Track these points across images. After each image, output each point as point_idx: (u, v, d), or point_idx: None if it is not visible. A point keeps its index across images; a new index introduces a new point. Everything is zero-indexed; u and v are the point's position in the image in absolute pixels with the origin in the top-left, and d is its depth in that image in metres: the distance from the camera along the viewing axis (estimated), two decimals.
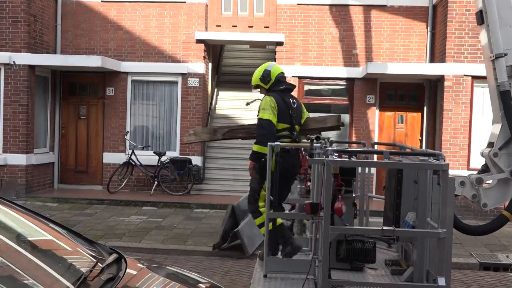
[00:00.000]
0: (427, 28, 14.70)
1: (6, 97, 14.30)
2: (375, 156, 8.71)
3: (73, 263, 3.68)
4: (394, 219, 5.28)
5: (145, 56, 15.37)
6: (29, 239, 3.78)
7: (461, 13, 13.21)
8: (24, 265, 3.26)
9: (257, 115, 6.52)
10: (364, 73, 14.22)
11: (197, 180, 14.93)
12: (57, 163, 15.69)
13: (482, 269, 9.29)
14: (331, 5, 14.96)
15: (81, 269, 3.48)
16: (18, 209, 3.96)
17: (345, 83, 15.18)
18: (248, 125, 7.97)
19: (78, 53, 15.31)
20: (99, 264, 3.50)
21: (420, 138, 14.86)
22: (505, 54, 6.66)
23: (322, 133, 7.00)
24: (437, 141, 13.95)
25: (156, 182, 14.80)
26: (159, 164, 14.76)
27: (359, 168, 6.50)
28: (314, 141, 5.86)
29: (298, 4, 15.02)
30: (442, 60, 13.62)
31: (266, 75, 6.67)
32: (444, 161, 4.68)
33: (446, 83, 13.34)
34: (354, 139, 14.54)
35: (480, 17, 6.94)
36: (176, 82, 15.42)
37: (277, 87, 6.59)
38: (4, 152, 14.30)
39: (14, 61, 14.13)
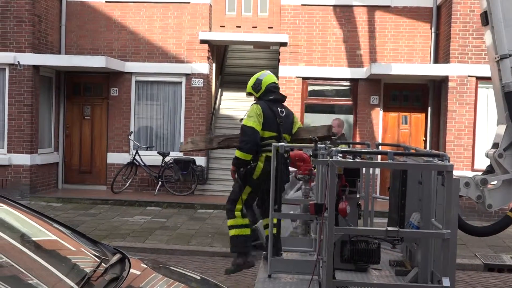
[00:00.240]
0: (431, 28, 14.69)
1: (10, 97, 14.34)
2: (379, 157, 8.70)
3: (77, 263, 3.68)
4: (399, 220, 5.26)
5: (149, 56, 15.39)
6: (33, 239, 3.79)
7: (465, 13, 13.19)
8: (28, 265, 3.26)
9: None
10: (368, 73, 14.21)
11: (201, 180, 14.94)
12: (61, 163, 15.72)
13: (486, 270, 9.28)
14: (335, 6, 14.95)
15: (85, 269, 3.49)
16: (22, 209, 3.97)
17: (349, 83, 15.17)
18: None
19: (82, 53, 15.34)
20: (103, 264, 3.50)
21: (424, 139, 14.84)
22: (510, 55, 6.63)
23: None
24: (441, 142, 13.93)
25: (160, 183, 14.82)
26: (163, 164, 14.78)
27: (364, 169, 6.48)
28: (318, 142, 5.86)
29: (302, 5, 15.02)
30: (446, 61, 13.60)
31: (257, 84, 6.77)
32: (449, 162, 4.68)
33: (450, 84, 13.32)
34: (358, 140, 14.53)
35: (485, 18, 6.92)
36: (180, 83, 15.44)
37: (266, 96, 6.66)
38: (8, 152, 14.34)
39: (18, 61, 14.17)
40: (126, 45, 15.44)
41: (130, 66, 15.34)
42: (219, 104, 17.10)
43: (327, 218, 4.39)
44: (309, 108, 15.23)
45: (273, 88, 6.61)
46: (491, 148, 6.69)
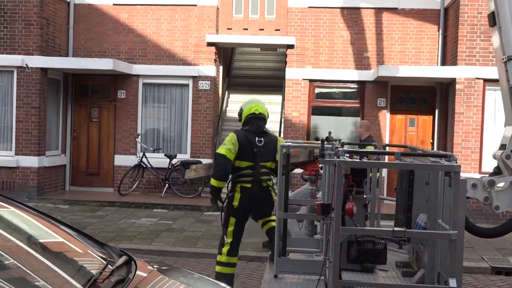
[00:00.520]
0: (438, 31, 14.66)
1: (18, 99, 14.40)
2: (386, 158, 8.69)
3: (83, 265, 3.70)
4: (406, 220, 5.25)
5: (156, 59, 15.43)
6: (40, 241, 3.81)
7: (473, 15, 13.15)
8: (35, 266, 3.28)
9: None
10: (375, 76, 14.19)
11: (207, 183, 14.92)
12: (68, 165, 15.76)
13: (493, 273, 9.24)
14: (342, 8, 14.95)
15: (91, 271, 3.50)
16: (29, 211, 3.99)
17: (356, 86, 15.15)
18: None
19: (90, 56, 15.40)
20: (109, 266, 3.51)
21: (431, 141, 14.80)
22: None
23: (333, 134, 7.01)
24: (449, 144, 13.89)
25: (167, 185, 14.83)
26: (170, 166, 14.80)
27: (371, 170, 6.47)
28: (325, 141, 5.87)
29: (309, 7, 15.02)
30: (454, 63, 13.56)
31: (239, 113, 6.90)
32: (456, 162, 4.66)
33: (457, 86, 13.28)
34: None
35: (492, 19, 6.90)
36: (187, 85, 15.46)
37: (245, 126, 6.73)
38: (16, 154, 14.39)
39: (26, 64, 14.24)
40: (134, 48, 15.49)
41: (138, 69, 15.39)
42: (226, 106, 17.12)
43: (333, 218, 4.38)
44: (316, 111, 15.22)
45: (251, 119, 6.64)
46: (499, 150, 6.66)
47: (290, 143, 6.03)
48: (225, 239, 6.62)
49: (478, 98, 13.25)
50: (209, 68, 15.32)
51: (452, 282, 4.32)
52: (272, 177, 6.71)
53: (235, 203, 6.52)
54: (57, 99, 15.47)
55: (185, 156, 15.17)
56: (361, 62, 14.92)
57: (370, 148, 7.98)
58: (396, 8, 14.80)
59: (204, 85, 15.32)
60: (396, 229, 4.42)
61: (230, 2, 15.85)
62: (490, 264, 9.39)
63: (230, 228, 6.60)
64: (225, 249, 6.59)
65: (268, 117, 6.82)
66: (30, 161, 14.31)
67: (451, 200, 4.47)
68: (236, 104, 17.08)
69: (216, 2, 15.36)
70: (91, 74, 15.40)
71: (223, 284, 4.09)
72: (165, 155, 15.00)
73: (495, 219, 11.74)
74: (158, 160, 15.01)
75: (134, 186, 14.99)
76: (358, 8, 14.92)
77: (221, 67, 16.48)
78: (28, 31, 14.36)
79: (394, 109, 14.95)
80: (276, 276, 5.67)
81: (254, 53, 19.04)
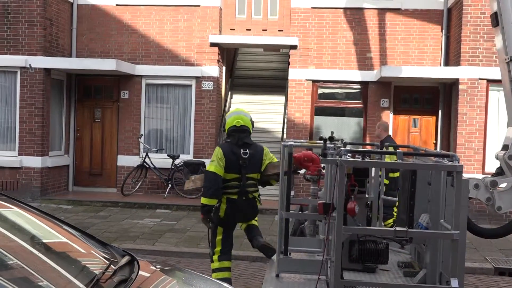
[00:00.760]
0: (441, 31, 14.64)
1: (22, 100, 14.43)
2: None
3: (86, 265, 3.71)
4: (408, 220, 5.25)
5: (159, 59, 15.44)
6: (44, 241, 3.81)
7: (476, 16, 13.13)
8: (38, 266, 3.28)
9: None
10: (378, 76, 14.18)
11: None
12: (72, 166, 15.79)
13: (497, 274, 9.21)
14: (345, 9, 14.94)
15: (94, 271, 3.50)
16: (33, 211, 3.99)
17: (359, 86, 15.14)
18: None
19: (93, 56, 15.42)
20: (112, 266, 3.52)
21: (434, 142, 14.78)
22: None
23: (336, 134, 7.00)
24: (452, 145, 13.86)
25: (170, 185, 14.84)
26: (173, 167, 14.80)
27: (373, 170, 6.47)
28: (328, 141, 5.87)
29: (312, 8, 15.02)
30: (457, 63, 13.54)
31: (224, 124, 6.96)
32: (458, 162, 4.65)
33: (461, 86, 13.26)
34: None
35: (495, 19, 6.90)
36: (190, 86, 15.47)
37: (229, 138, 6.75)
38: (19, 154, 14.42)
39: (30, 64, 14.26)
40: (137, 48, 15.51)
41: (141, 69, 15.40)
42: (229, 107, 17.11)
43: (335, 218, 4.38)
44: (319, 111, 15.21)
45: (232, 132, 6.64)
46: (501, 150, 6.65)
47: (292, 143, 6.02)
48: (213, 251, 6.65)
49: (481, 98, 13.23)
50: (212, 69, 15.33)
51: (454, 282, 4.32)
52: (258, 188, 6.70)
53: (221, 214, 6.55)
54: (61, 99, 15.50)
55: (188, 157, 15.18)
56: (364, 63, 14.91)
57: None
58: (399, 9, 14.78)
59: (207, 85, 15.33)
60: (398, 229, 4.43)
61: (233, 2, 15.85)
62: (493, 265, 9.37)
63: (219, 237, 6.64)
64: (215, 257, 6.63)
65: (252, 127, 6.75)
66: (34, 162, 14.33)
67: (453, 200, 4.47)
68: (239, 104, 17.07)
69: (219, 2, 15.37)
70: (94, 75, 15.42)
71: (225, 284, 4.09)
72: (168, 155, 15.01)
73: (498, 220, 11.71)
74: (161, 160, 15.02)
75: (137, 187, 15.00)
76: (361, 9, 14.91)
77: (224, 68, 16.48)
78: (31, 31, 14.39)
79: (397, 110, 14.93)
80: (278, 276, 5.67)
81: (257, 54, 19.04)
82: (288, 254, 5.85)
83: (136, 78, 15.46)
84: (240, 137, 6.57)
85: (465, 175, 4.57)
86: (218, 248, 6.62)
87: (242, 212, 6.57)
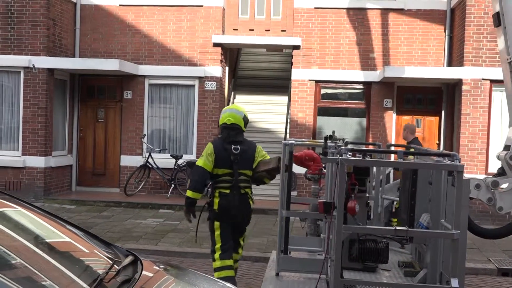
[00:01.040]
0: (445, 31, 14.61)
1: (25, 100, 14.46)
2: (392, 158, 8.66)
3: (89, 264, 3.71)
4: (408, 220, 5.24)
5: (162, 59, 15.46)
6: (47, 240, 3.82)
7: (480, 16, 13.11)
8: (41, 266, 3.29)
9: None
10: (381, 77, 14.17)
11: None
12: (75, 166, 15.82)
13: (500, 274, 9.20)
14: (348, 9, 14.93)
15: (97, 270, 3.50)
16: (36, 211, 4.00)
17: (362, 86, 15.13)
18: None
19: (96, 56, 15.45)
20: (115, 266, 3.52)
21: (437, 142, 14.76)
22: None
23: (339, 134, 7.00)
24: (455, 145, 13.84)
25: (172, 185, 14.84)
26: (175, 167, 14.81)
27: (374, 169, 6.47)
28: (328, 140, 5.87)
29: (315, 8, 15.01)
30: (460, 64, 13.52)
31: (218, 120, 6.98)
32: (459, 162, 4.65)
33: (464, 87, 13.24)
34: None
35: (497, 19, 6.88)
36: (193, 86, 15.48)
37: (221, 134, 6.81)
38: (23, 154, 14.45)
39: (33, 64, 14.30)
40: (140, 48, 15.53)
41: (144, 69, 15.42)
42: None
43: (336, 217, 4.38)
44: (322, 111, 15.20)
45: (224, 129, 6.70)
46: (503, 150, 6.64)
47: (293, 141, 6.03)
48: (214, 249, 6.65)
49: (484, 99, 13.20)
50: (215, 69, 15.34)
51: (454, 282, 4.31)
52: (250, 185, 6.71)
53: (215, 207, 6.59)
54: (64, 99, 15.53)
55: (191, 157, 15.18)
56: (367, 63, 14.90)
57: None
58: (402, 9, 14.77)
59: (210, 85, 15.34)
60: (398, 228, 4.42)
61: (236, 3, 15.86)
62: (496, 265, 9.35)
63: (217, 232, 6.65)
64: (217, 255, 6.62)
65: (245, 125, 6.75)
66: (37, 161, 14.36)
67: (454, 200, 4.47)
68: (242, 104, 17.06)
69: (222, 3, 15.38)
70: (98, 75, 15.45)
71: (228, 284, 4.10)
72: (171, 155, 15.02)
73: (501, 221, 11.68)
74: (164, 160, 15.04)
75: (140, 187, 15.02)
76: (364, 9, 14.90)
77: (227, 68, 16.49)
78: (34, 31, 14.42)
79: (400, 110, 14.92)
80: (278, 274, 5.67)
81: (260, 54, 19.05)
82: (288, 253, 5.85)
83: (139, 78, 15.48)
84: (229, 135, 6.61)
85: (468, 176, 4.57)
86: (218, 245, 6.60)
87: (236, 207, 6.55)
